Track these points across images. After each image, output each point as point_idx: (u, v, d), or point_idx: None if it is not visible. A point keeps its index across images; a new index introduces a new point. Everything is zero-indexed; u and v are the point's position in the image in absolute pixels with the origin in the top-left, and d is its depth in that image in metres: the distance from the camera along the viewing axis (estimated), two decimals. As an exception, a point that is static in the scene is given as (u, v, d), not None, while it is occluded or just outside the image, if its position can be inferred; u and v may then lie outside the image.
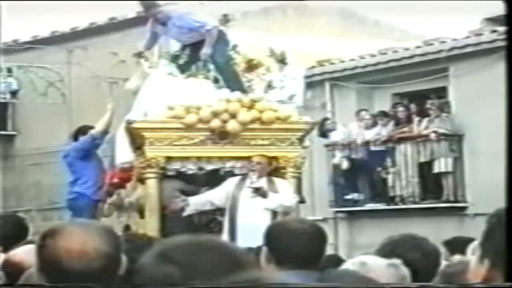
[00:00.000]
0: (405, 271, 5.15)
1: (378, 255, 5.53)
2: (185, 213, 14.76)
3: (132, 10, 26.30)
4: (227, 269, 3.09)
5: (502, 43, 22.91)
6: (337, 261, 7.77)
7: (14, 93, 29.64)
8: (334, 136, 25.35)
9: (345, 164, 25.29)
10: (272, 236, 6.26)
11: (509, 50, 3.75)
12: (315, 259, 5.96)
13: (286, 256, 5.87)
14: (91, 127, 17.60)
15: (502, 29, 23.57)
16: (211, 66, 16.14)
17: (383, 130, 25.20)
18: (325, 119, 25.44)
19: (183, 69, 16.27)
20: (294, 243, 5.95)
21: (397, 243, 5.93)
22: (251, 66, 16.39)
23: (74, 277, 4.23)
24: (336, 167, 25.47)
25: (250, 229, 12.17)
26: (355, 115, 25.78)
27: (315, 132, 19.27)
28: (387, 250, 5.68)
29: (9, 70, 29.73)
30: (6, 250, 6.88)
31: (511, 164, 3.50)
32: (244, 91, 15.91)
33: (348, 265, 5.24)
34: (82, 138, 17.28)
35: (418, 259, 5.65)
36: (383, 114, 25.66)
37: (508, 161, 3.55)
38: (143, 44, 16.58)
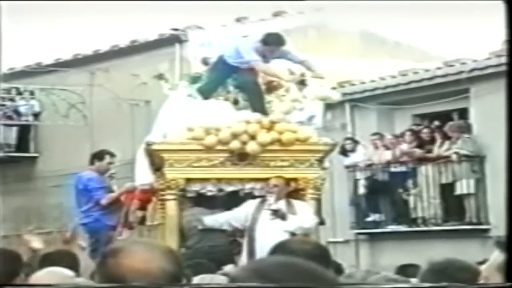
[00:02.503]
0: None
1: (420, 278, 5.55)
2: (199, 227, 14.78)
3: (153, 32, 26.32)
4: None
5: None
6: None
7: (36, 115, 29.71)
8: (355, 157, 25.22)
9: (362, 189, 25.24)
10: (271, 253, 6.26)
11: (509, 50, 3.50)
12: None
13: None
14: (108, 152, 17.87)
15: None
16: (231, 88, 16.10)
17: (409, 149, 25.00)
18: (347, 138, 25.47)
19: (204, 91, 16.09)
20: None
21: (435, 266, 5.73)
22: (271, 87, 16.28)
23: None
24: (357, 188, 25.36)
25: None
26: (372, 138, 25.72)
27: (335, 153, 19.07)
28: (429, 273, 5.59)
29: (32, 93, 29.77)
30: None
31: (511, 172, 3.35)
32: (265, 112, 15.75)
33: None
34: (89, 180, 17.42)
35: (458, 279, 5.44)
36: (412, 132, 25.37)
37: (508, 168, 3.39)
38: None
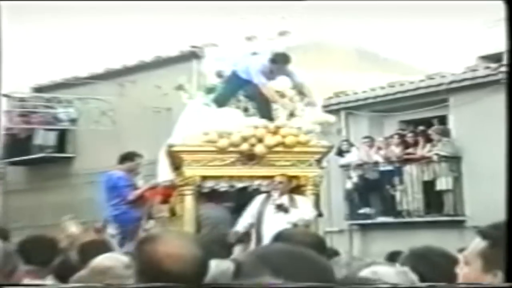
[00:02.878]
0: (414, 277, 4.85)
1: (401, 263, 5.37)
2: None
3: (174, 49, 26.31)
4: (311, 274, 3.16)
5: (495, 78, 23.01)
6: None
7: (73, 121, 29.74)
8: (349, 157, 25.27)
9: (349, 184, 25.43)
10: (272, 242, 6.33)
11: (509, 51, 3.43)
12: None
13: None
14: (136, 154, 18.14)
15: (494, 65, 23.55)
16: (241, 97, 16.25)
17: (395, 150, 25.08)
18: (343, 141, 25.67)
19: (218, 101, 16.23)
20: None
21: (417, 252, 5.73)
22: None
23: (171, 278, 4.20)
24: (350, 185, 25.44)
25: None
26: (363, 141, 25.99)
27: (332, 154, 19.12)
28: (411, 259, 5.51)
29: (69, 102, 29.82)
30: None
31: (511, 172, 3.28)
32: (271, 118, 15.87)
33: (365, 273, 4.72)
34: (118, 178, 17.69)
35: (438, 265, 5.49)
36: (397, 136, 25.48)
37: (508, 170, 3.33)
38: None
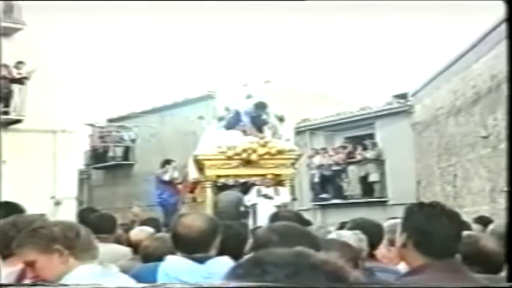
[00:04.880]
0: (363, 237, 5.01)
1: (348, 229, 5.46)
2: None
3: (197, 92, 26.25)
4: (304, 241, 3.03)
5: (403, 109, 23.41)
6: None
7: (132, 141, 29.74)
8: (314, 161, 25.17)
9: (313, 179, 25.27)
10: (271, 219, 6.33)
11: (509, 50, 3.25)
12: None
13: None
14: (171, 160, 18.69)
15: (402, 101, 23.80)
16: (242, 123, 16.44)
17: (342, 156, 24.97)
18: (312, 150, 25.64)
19: (226, 126, 16.61)
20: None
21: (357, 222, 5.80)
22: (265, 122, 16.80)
23: (185, 240, 4.29)
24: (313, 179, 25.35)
25: (264, 216, 11.78)
26: (321, 150, 25.79)
27: (302, 159, 19.19)
28: (353, 226, 5.53)
29: (130, 128, 29.89)
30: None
31: (511, 172, 3.02)
32: (262, 136, 16.23)
33: (332, 235, 5.09)
34: (162, 174, 18.31)
35: (372, 230, 5.48)
36: (343, 147, 25.35)
37: (508, 167, 3.07)
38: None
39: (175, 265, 4.24)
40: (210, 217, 4.78)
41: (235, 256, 4.35)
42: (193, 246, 4.25)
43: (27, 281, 3.79)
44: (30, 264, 3.39)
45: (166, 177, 18.07)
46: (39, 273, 3.41)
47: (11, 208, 5.23)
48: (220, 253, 4.39)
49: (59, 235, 3.45)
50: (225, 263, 4.20)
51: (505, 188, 15.12)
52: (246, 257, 1.69)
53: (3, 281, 3.86)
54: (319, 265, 1.57)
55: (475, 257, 3.80)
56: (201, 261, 4.23)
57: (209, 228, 4.33)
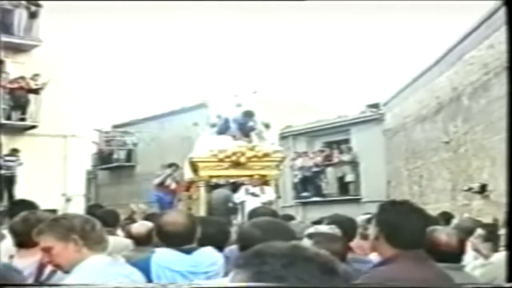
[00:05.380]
0: (338, 231, 4.99)
1: (326, 224, 5.43)
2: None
3: (192, 101, 26.22)
4: (283, 235, 3.10)
5: (375, 117, 23.33)
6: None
7: (135, 145, 29.62)
8: (296, 163, 25.09)
9: (295, 179, 25.19)
10: (250, 215, 6.52)
11: (509, 50, 3.21)
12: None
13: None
14: (174, 164, 18.69)
15: (375, 110, 23.81)
16: (231, 129, 16.36)
17: (321, 159, 24.93)
18: (295, 153, 25.53)
19: (218, 132, 16.51)
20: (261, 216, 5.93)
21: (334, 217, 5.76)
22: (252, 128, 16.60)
23: (173, 235, 4.29)
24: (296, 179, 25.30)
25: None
26: (302, 154, 25.65)
27: (286, 161, 19.17)
28: (330, 221, 5.46)
29: (132, 133, 29.77)
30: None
31: (511, 165, 3.01)
32: (250, 142, 16.10)
33: (310, 230, 4.97)
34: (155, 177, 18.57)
35: (347, 224, 5.51)
36: (321, 151, 25.28)
37: (508, 164, 3.07)
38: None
39: (165, 256, 4.31)
40: (188, 213, 4.99)
41: (219, 247, 4.56)
42: (180, 240, 4.32)
43: (47, 270, 3.82)
44: (47, 250, 3.44)
45: (156, 181, 18.27)
46: (55, 259, 3.45)
47: (27, 206, 5.31)
48: (205, 244, 4.48)
49: (77, 226, 3.50)
50: (209, 253, 4.38)
51: (465, 187, 15.21)
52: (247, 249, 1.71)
53: (26, 271, 3.91)
54: (312, 257, 1.59)
55: (431, 248, 3.84)
56: (187, 252, 4.31)
57: (190, 222, 4.39)
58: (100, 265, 3.41)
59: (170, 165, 18.61)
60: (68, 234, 3.45)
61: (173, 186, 18.05)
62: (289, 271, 1.53)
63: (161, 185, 18.12)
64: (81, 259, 3.36)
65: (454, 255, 4.23)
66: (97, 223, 3.62)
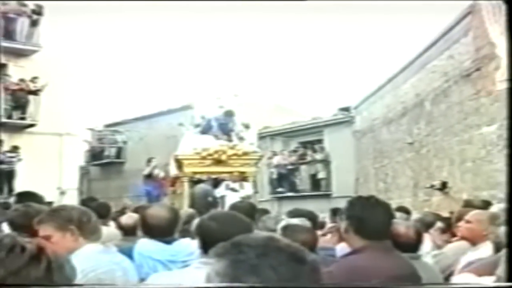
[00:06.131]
0: (308, 223, 5.09)
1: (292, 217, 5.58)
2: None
3: (178, 103, 26.12)
4: (239, 227, 3.07)
5: (347, 119, 23.33)
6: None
7: (124, 142, 29.47)
8: (273, 161, 25.06)
9: (271, 176, 25.10)
10: (230, 208, 6.55)
11: (509, 50, 3.19)
12: (251, 217, 5.75)
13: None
14: (152, 158, 18.85)
15: (346, 113, 23.85)
16: (213, 129, 16.28)
17: (296, 158, 24.90)
18: (272, 152, 25.42)
19: (202, 132, 16.44)
20: (240, 210, 5.68)
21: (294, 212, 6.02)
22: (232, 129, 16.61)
23: (155, 228, 4.35)
24: (272, 176, 25.22)
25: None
26: (279, 153, 25.51)
27: (263, 159, 19.18)
28: (297, 215, 5.63)
29: (122, 132, 29.61)
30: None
31: (511, 166, 2.98)
32: (230, 141, 16.07)
33: (283, 223, 5.12)
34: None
35: (308, 217, 5.65)
36: (295, 150, 25.29)
37: (508, 164, 3.05)
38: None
39: (147, 246, 4.36)
40: (171, 207, 4.97)
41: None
42: (161, 231, 4.36)
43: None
44: (46, 239, 3.43)
45: (145, 172, 18.22)
46: (52, 247, 3.45)
47: (31, 196, 5.35)
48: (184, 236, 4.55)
49: (75, 217, 3.51)
50: (187, 244, 4.41)
51: (428, 185, 15.31)
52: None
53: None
54: (283, 247, 1.61)
55: (391, 239, 3.87)
56: (168, 242, 4.36)
57: (171, 216, 4.44)
58: (94, 252, 3.42)
59: (149, 160, 18.62)
60: (67, 224, 3.46)
61: (162, 174, 18.03)
62: (262, 260, 1.55)
63: (150, 176, 18.06)
64: (77, 248, 3.37)
65: (412, 246, 4.29)
66: (92, 215, 3.64)
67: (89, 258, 3.30)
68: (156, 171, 18.26)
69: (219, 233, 3.00)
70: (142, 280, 3.80)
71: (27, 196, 5.46)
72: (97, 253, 3.45)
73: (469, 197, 12.00)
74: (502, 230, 3.56)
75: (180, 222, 4.55)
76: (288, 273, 1.56)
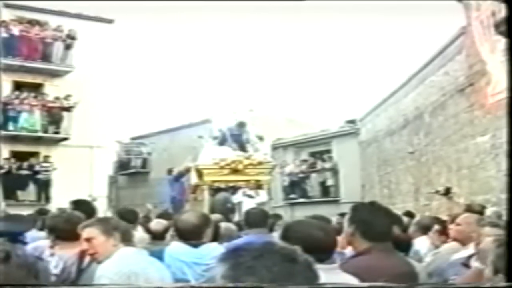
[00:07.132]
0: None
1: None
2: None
3: (197, 118, 26.23)
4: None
5: (353, 131, 23.26)
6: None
7: (149, 154, 29.71)
8: (286, 169, 24.98)
9: (284, 183, 24.95)
10: (245, 214, 6.45)
11: (509, 50, 3.20)
12: (264, 222, 6.18)
13: (251, 221, 6.05)
14: (173, 169, 18.23)
15: (352, 125, 23.74)
16: (230, 141, 16.26)
17: (306, 166, 24.83)
18: (284, 162, 25.34)
19: (219, 143, 16.41)
20: (254, 215, 6.21)
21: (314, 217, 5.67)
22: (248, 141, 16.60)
23: (185, 232, 4.43)
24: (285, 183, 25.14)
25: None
26: (291, 162, 25.42)
27: (277, 168, 19.21)
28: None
29: (147, 144, 29.89)
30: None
31: (511, 166, 2.98)
32: (246, 152, 16.09)
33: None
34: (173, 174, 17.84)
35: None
36: (305, 160, 25.18)
37: (509, 164, 3.05)
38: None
39: (176, 249, 4.48)
40: (202, 214, 5.02)
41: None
42: (189, 235, 4.45)
43: (86, 259, 3.94)
44: (89, 240, 3.62)
45: (175, 173, 18.06)
46: (94, 249, 3.64)
47: (84, 204, 5.61)
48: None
49: (121, 227, 3.79)
50: (214, 247, 4.48)
51: (433, 190, 15.28)
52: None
53: (69, 260, 4.04)
54: (277, 250, 1.66)
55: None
56: (195, 246, 4.44)
57: (200, 222, 4.51)
58: (129, 253, 3.64)
59: (170, 170, 18.57)
60: (112, 230, 3.69)
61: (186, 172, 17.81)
62: (258, 261, 1.60)
63: (178, 181, 17.91)
64: (115, 251, 3.58)
65: (404, 246, 4.41)
66: (130, 227, 3.98)
67: (126, 257, 3.53)
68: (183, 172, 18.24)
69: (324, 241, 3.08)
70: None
71: (81, 204, 5.79)
72: (132, 254, 3.65)
73: (466, 201, 12.05)
74: (486, 230, 3.63)
75: (211, 227, 4.63)
76: (282, 272, 1.60)
